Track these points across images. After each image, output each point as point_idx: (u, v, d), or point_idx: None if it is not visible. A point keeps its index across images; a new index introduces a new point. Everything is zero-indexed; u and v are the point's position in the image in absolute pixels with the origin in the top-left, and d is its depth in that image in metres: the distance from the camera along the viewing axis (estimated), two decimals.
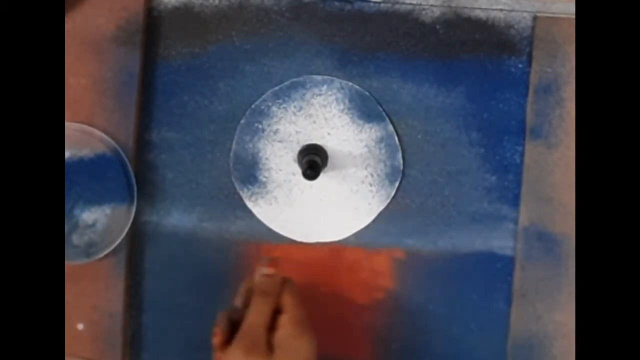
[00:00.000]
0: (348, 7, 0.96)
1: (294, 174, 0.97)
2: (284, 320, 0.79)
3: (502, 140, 0.96)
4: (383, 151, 0.96)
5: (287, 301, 0.80)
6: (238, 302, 0.82)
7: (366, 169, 0.97)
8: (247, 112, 0.97)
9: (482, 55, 0.95)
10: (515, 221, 0.96)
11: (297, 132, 0.97)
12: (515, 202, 0.96)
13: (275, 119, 0.97)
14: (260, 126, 0.97)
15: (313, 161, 0.93)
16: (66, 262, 0.96)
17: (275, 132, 0.97)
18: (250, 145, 0.97)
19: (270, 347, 0.77)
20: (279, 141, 0.97)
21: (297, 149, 0.97)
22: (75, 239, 0.97)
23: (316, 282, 0.98)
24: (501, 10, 0.95)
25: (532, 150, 0.95)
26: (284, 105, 0.97)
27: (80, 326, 0.98)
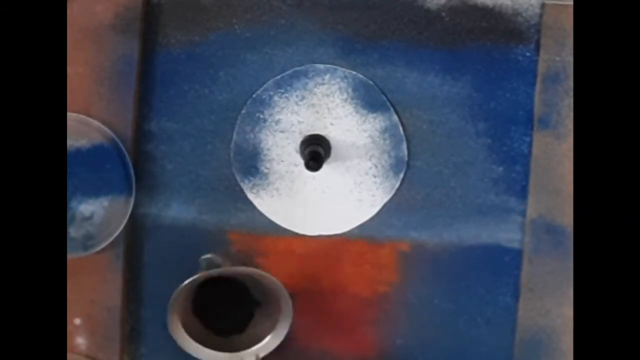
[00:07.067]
0: None
1: (296, 165, 0.96)
2: None
3: (509, 130, 0.95)
4: (387, 142, 0.95)
5: None
6: None
7: (370, 160, 0.95)
8: (248, 102, 0.96)
9: (489, 44, 0.94)
10: (523, 213, 0.95)
11: (299, 122, 0.96)
12: (522, 193, 0.95)
13: (277, 109, 0.96)
14: (261, 116, 0.96)
15: (316, 152, 0.92)
16: None
17: (277, 122, 0.96)
18: (252, 136, 0.96)
19: None
20: (281, 131, 0.96)
21: (300, 139, 0.96)
22: (72, 232, 0.97)
23: (319, 276, 0.97)
24: None
25: (540, 141, 0.94)
26: (286, 94, 0.96)
27: (77, 321, 0.98)
